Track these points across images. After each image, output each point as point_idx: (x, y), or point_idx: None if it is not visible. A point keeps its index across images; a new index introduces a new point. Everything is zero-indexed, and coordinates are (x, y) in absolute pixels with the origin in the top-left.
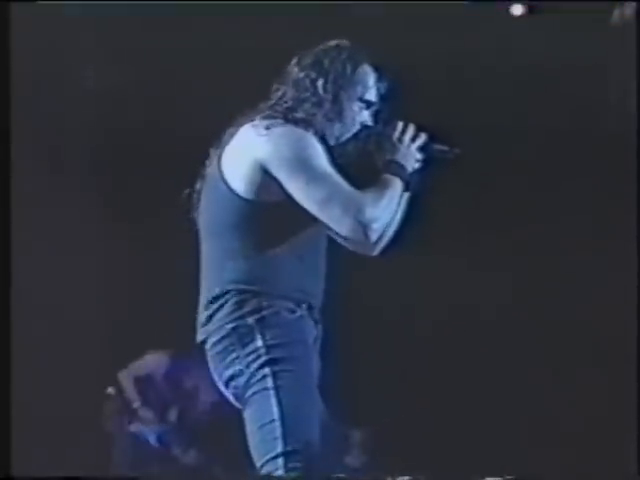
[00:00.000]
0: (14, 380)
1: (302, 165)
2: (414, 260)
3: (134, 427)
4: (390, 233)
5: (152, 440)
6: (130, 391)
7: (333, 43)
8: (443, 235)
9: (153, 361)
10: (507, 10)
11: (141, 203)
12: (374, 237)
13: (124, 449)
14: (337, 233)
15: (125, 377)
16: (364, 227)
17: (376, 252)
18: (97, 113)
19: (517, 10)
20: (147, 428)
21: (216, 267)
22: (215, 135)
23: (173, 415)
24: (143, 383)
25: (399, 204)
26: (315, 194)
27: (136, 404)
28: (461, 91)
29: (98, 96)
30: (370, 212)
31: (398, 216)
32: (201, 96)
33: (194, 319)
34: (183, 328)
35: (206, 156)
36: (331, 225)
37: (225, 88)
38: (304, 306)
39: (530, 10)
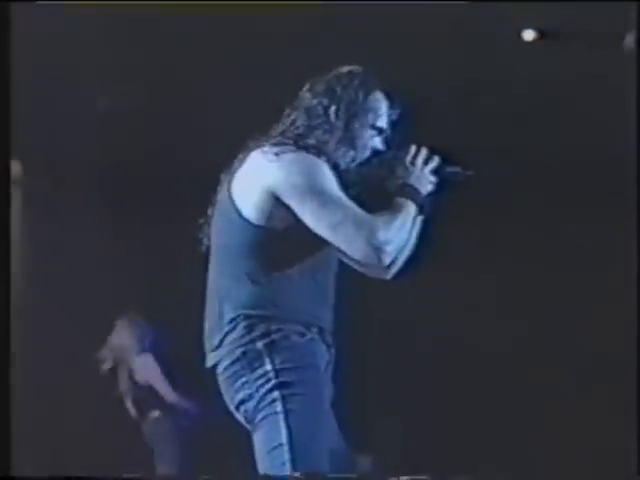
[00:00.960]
0: (14, 380)
1: (313, 190)
2: (428, 283)
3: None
4: (404, 257)
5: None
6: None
7: (345, 69)
8: (457, 258)
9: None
10: (518, 35)
11: (151, 225)
12: (387, 260)
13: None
14: (350, 257)
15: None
16: (377, 250)
17: (390, 276)
18: (97, 115)
19: (529, 35)
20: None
21: (226, 291)
22: (228, 159)
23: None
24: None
25: (413, 227)
26: (327, 218)
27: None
28: (473, 115)
29: (99, 96)
30: (383, 235)
31: (412, 239)
32: (215, 120)
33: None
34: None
35: (218, 180)
36: (344, 249)
37: (240, 111)
38: (314, 330)
39: (542, 35)
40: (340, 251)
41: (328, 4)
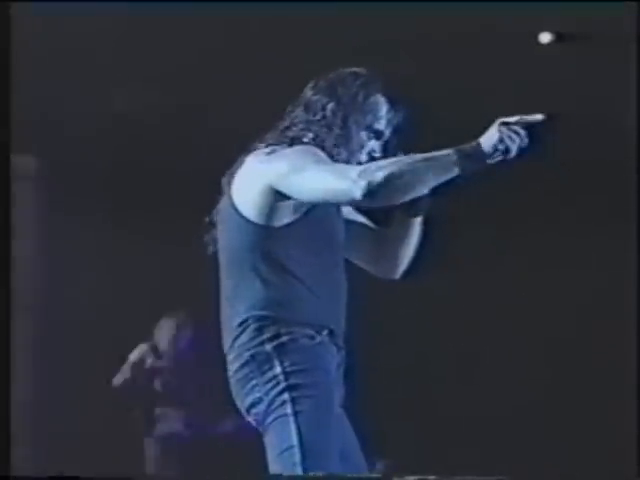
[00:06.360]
0: (14, 380)
1: (298, 165)
2: (439, 285)
3: (162, 429)
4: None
5: (185, 429)
6: (132, 393)
7: (350, 70)
8: (468, 260)
9: (135, 359)
10: (535, 38)
11: (166, 225)
12: (362, 184)
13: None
14: (333, 202)
15: (120, 381)
16: (354, 182)
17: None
18: (95, 111)
19: (545, 38)
20: (175, 421)
21: (235, 294)
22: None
23: (191, 392)
24: (145, 385)
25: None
26: (310, 178)
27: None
28: (488, 118)
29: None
30: (361, 167)
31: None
32: (230, 120)
33: None
34: None
35: (225, 182)
36: (327, 196)
37: (255, 111)
38: (324, 332)
39: (558, 38)
40: (347, 250)
41: (344, 5)
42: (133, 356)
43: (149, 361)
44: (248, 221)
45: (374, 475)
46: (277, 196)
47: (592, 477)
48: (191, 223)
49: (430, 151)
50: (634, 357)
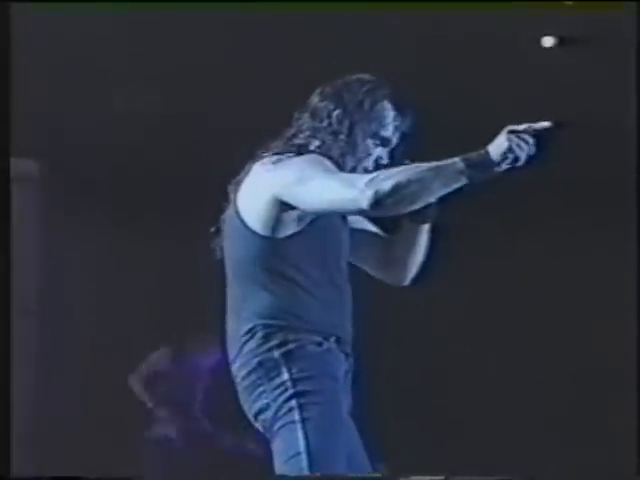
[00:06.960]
0: (14, 380)
1: (304, 176)
2: (446, 291)
3: (155, 430)
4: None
5: (174, 435)
6: (142, 393)
7: (356, 76)
8: (474, 265)
9: (157, 358)
10: (538, 42)
11: (167, 228)
12: (370, 193)
13: (151, 456)
14: (340, 212)
15: (135, 380)
16: (361, 192)
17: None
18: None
19: (548, 42)
20: (168, 426)
21: (242, 303)
22: (244, 161)
23: (194, 406)
24: (153, 382)
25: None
26: (318, 183)
27: (150, 404)
28: (491, 122)
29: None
30: (368, 176)
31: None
32: (232, 121)
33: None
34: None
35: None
36: (334, 206)
37: (257, 114)
38: (332, 339)
39: (561, 42)
40: (356, 257)
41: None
42: (151, 359)
43: (164, 366)
44: (254, 233)
45: (377, 475)
46: (283, 207)
47: (592, 476)
48: (192, 225)
49: (435, 156)
50: (634, 357)
